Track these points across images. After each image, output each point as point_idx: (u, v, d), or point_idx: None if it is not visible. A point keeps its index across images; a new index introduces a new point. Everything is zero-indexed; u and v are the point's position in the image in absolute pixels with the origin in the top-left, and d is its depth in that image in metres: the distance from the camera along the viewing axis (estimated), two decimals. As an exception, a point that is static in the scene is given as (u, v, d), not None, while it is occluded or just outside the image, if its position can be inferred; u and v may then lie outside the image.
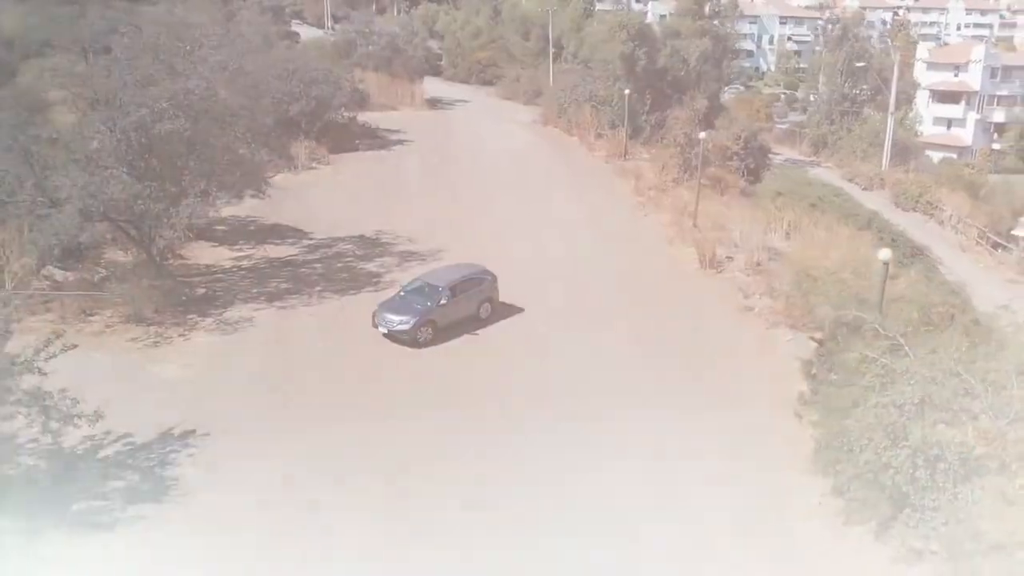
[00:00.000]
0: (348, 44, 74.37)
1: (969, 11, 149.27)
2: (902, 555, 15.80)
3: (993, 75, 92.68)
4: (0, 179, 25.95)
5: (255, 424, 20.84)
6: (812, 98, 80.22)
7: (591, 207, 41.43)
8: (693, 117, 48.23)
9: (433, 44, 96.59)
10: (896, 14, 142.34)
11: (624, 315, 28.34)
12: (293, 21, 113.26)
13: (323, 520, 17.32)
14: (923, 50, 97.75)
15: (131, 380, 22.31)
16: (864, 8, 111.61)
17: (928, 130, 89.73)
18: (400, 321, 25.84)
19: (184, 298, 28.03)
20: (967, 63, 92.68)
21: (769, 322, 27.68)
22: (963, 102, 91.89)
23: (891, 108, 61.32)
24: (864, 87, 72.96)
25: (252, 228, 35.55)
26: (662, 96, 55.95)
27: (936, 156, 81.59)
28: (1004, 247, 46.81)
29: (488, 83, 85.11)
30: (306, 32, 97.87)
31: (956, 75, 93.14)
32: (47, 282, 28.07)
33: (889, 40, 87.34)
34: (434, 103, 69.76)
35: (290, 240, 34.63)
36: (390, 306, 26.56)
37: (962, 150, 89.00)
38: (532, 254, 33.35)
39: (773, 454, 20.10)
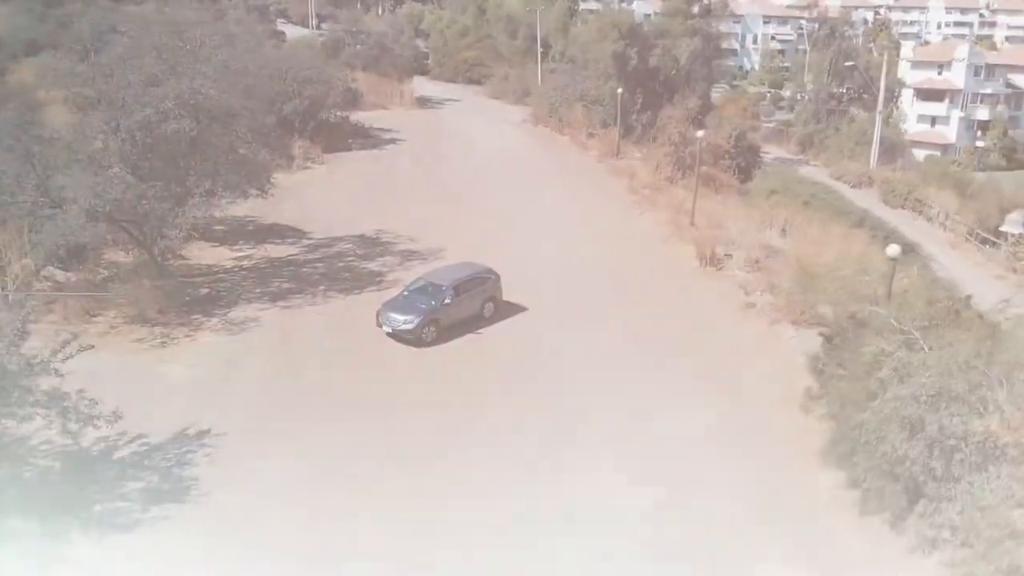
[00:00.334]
0: (336, 43, 74.32)
1: (949, 10, 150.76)
2: (918, 545, 16.08)
3: (977, 73, 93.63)
4: (0, 179, 25.84)
5: (269, 424, 20.87)
6: (801, 96, 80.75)
7: (587, 206, 41.61)
8: (687, 116, 48.44)
9: (419, 43, 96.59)
10: (877, 13, 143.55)
11: (627, 313, 28.48)
12: (278, 20, 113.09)
13: (339, 519, 17.39)
14: (907, 49, 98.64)
15: (141, 381, 22.24)
16: (845, 8, 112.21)
17: (912, 128, 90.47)
18: (404, 321, 25.84)
19: (187, 298, 27.99)
20: (951, 61, 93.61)
21: (771, 319, 27.92)
22: (947, 100, 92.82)
23: (879, 106, 61.90)
24: (851, 86, 73.64)
25: (251, 228, 35.48)
26: (653, 95, 56.15)
27: (920, 154, 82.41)
28: (993, 243, 47.35)
29: (475, 82, 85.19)
30: (291, 31, 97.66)
31: (940, 73, 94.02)
32: (48, 283, 27.95)
33: (872, 39, 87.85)
34: (423, 102, 69.82)
35: (290, 240, 34.62)
36: (394, 305, 26.53)
37: (946, 148, 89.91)
38: (532, 253, 33.43)
39: (784, 449, 20.33)
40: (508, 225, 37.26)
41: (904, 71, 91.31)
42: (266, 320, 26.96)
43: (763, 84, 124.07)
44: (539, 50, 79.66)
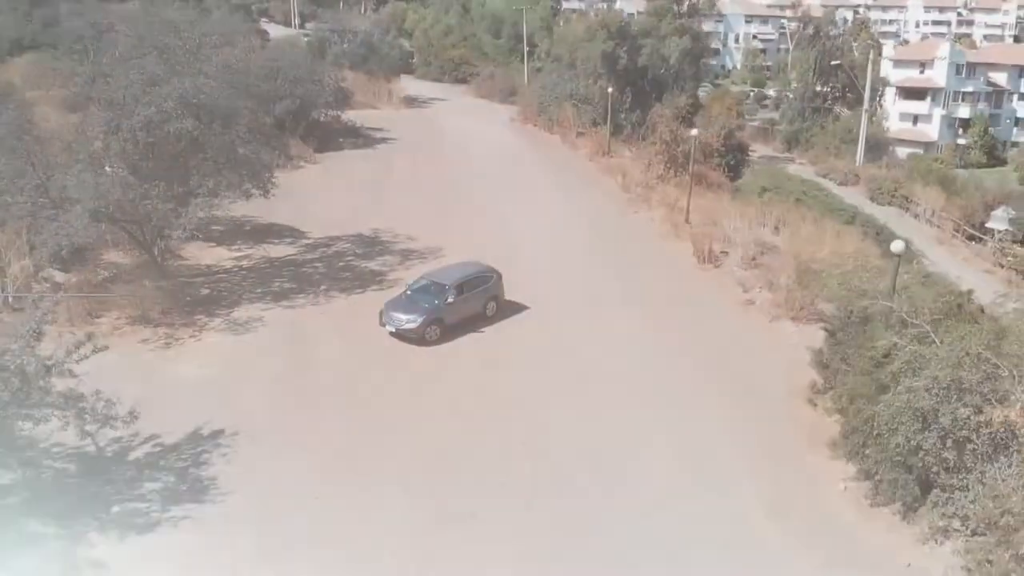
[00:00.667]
0: (323, 42, 74.11)
1: (928, 8, 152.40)
2: (930, 534, 16.40)
3: (958, 71, 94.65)
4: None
5: (282, 423, 20.86)
6: (786, 95, 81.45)
7: (581, 204, 41.82)
8: (677, 114, 48.77)
9: (403, 42, 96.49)
10: (856, 12, 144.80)
11: (628, 311, 28.62)
12: (261, 19, 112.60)
13: (358, 516, 17.49)
14: (888, 48, 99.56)
15: (150, 382, 22.13)
16: (827, 7, 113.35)
17: (895, 126, 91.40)
18: (408, 320, 25.84)
19: (189, 299, 27.92)
20: (933, 60, 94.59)
21: (771, 315, 28.23)
22: (929, 98, 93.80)
23: (865, 104, 62.57)
24: (835, 84, 74.37)
25: (248, 228, 35.38)
26: (642, 94, 56.55)
27: (903, 151, 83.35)
28: (979, 239, 48.06)
29: (461, 81, 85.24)
30: (274, 30, 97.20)
31: (922, 71, 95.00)
32: (47, 284, 27.78)
33: (854, 38, 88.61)
34: (411, 101, 69.84)
35: (288, 239, 34.59)
36: (397, 305, 26.50)
37: (928, 145, 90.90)
38: (530, 251, 33.60)
39: (793, 442, 20.63)
40: (504, 224, 37.37)
41: (886, 69, 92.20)
42: (270, 320, 26.92)
43: (745, 83, 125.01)
44: (525, 49, 79.86)
